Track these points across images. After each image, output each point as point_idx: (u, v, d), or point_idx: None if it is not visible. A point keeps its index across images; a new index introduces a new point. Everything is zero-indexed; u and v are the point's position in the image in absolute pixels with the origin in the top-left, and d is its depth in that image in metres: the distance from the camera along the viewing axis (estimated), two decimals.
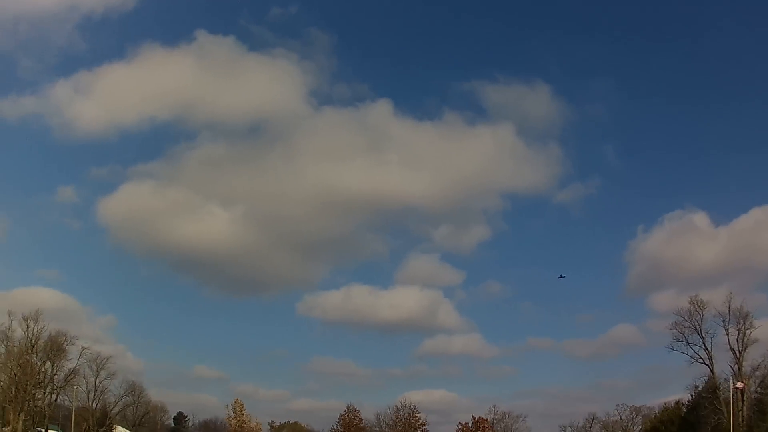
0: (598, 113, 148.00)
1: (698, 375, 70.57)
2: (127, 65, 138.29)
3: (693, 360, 69.86)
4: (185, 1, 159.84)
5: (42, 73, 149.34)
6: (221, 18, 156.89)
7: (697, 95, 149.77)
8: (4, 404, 72.89)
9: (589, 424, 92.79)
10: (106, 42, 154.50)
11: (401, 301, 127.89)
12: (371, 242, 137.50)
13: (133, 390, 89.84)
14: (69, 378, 79.70)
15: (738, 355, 67.75)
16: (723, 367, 68.70)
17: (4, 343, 75.57)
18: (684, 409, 76.13)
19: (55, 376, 78.24)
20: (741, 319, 67.86)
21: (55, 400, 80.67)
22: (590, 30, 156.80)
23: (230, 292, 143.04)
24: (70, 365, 79.19)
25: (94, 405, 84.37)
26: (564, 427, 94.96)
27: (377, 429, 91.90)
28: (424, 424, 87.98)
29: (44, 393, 77.56)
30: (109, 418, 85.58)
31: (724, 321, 68.54)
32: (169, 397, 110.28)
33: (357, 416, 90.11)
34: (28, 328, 76.24)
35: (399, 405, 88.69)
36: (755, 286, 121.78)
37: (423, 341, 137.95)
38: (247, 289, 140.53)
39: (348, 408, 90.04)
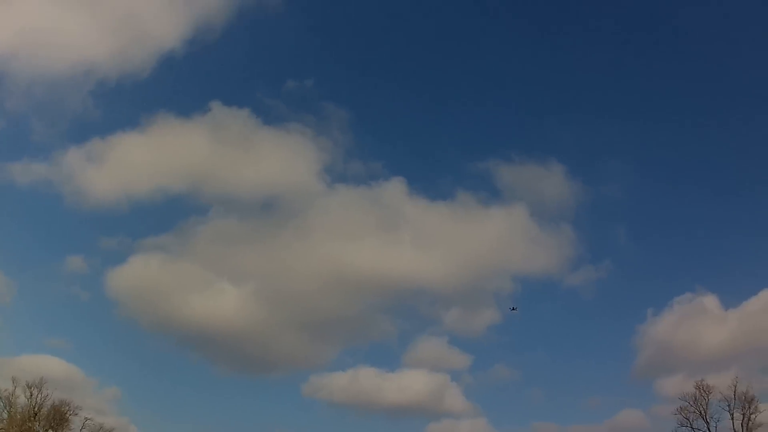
0: (612, 195, 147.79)
1: None
2: (141, 134, 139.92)
3: None
4: (200, 71, 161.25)
5: (55, 139, 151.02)
6: (236, 90, 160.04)
7: (709, 179, 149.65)
8: None
9: None
10: (120, 110, 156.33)
11: (408, 384, 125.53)
12: (380, 323, 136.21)
13: None
14: None
15: None
16: None
17: (7, 409, 75.88)
18: None
19: None
20: (746, 404, 67.51)
21: None
22: (606, 111, 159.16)
23: (237, 369, 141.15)
24: None
25: None
26: None
27: None
28: None
29: None
30: None
31: (729, 406, 68.35)
32: None
33: None
34: (31, 395, 76.65)
35: None
36: (763, 369, 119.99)
37: (428, 425, 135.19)
38: (254, 368, 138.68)
39: None
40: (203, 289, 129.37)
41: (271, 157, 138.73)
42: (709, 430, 68.68)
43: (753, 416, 66.72)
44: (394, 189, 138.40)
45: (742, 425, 67.37)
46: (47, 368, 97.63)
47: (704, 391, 70.05)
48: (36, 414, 76.17)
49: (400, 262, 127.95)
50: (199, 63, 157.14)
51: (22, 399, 75.82)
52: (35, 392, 76.31)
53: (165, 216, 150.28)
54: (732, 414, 67.71)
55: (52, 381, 79.14)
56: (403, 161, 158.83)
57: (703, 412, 69.50)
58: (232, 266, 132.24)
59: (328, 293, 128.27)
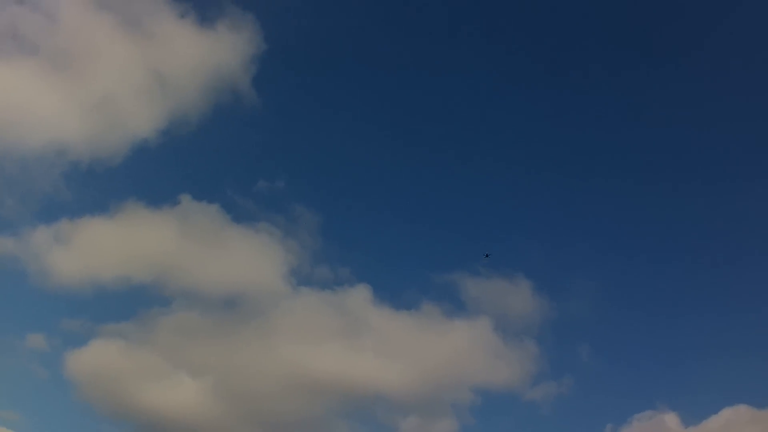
0: (577, 312, 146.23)
1: None
2: (110, 220, 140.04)
3: None
4: (173, 163, 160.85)
5: (24, 216, 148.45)
6: (207, 185, 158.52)
7: (672, 301, 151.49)
8: None
9: None
10: (91, 193, 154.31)
11: None
12: (338, 427, 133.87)
13: None
14: None
15: None
16: None
17: None
18: None
19: None
20: None
21: None
22: (576, 230, 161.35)
23: None
24: None
25: None
26: None
27: None
28: None
29: None
30: None
31: None
32: None
33: None
34: None
35: None
36: None
37: None
38: None
39: None
40: (161, 379, 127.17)
41: (237, 255, 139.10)
42: None
43: None
44: (359, 296, 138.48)
45: None
46: None
47: None
48: None
49: (361, 368, 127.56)
50: (171, 155, 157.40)
51: None
52: None
53: (128, 304, 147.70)
54: None
55: None
56: (370, 269, 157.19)
57: None
58: (192, 359, 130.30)
59: (286, 395, 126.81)
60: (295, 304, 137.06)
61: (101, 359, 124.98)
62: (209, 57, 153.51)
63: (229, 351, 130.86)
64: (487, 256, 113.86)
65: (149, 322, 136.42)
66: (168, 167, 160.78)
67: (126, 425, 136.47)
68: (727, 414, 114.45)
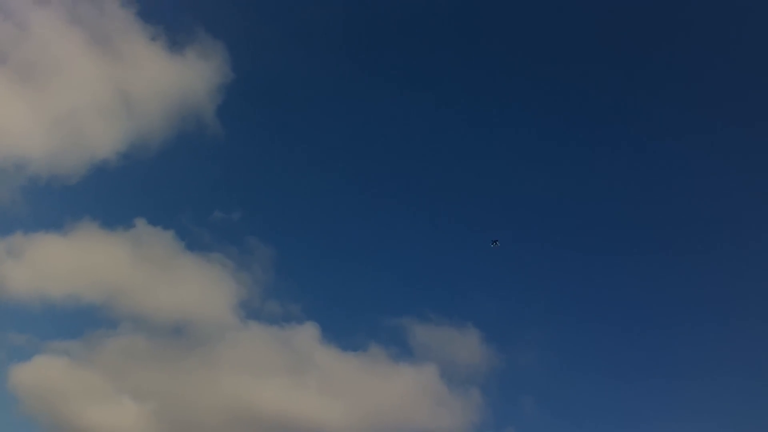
0: (525, 365, 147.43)
1: None
2: (63, 238, 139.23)
3: None
4: (130, 186, 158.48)
5: None
6: (163, 211, 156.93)
7: (622, 361, 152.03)
8: None
9: None
10: (47, 210, 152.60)
11: None
12: None
13: None
14: None
15: None
16: None
17: None
18: None
19: None
20: None
21: None
22: (529, 284, 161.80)
23: None
24: None
25: None
26: None
27: None
28: None
29: None
30: None
31: None
32: None
33: None
34: None
35: None
36: None
37: None
38: None
39: None
40: (104, 400, 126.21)
41: (188, 283, 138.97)
42: None
43: None
44: (307, 334, 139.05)
45: None
46: None
47: None
48: None
49: (304, 406, 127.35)
50: (130, 177, 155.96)
51: None
52: None
53: (75, 322, 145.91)
54: None
55: None
56: (320, 307, 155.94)
57: None
58: (135, 383, 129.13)
59: (227, 427, 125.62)
60: (243, 337, 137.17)
61: (45, 375, 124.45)
62: (176, 83, 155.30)
63: (173, 378, 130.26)
64: (495, 242, 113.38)
65: (95, 343, 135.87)
66: (125, 190, 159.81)
67: None
68: None
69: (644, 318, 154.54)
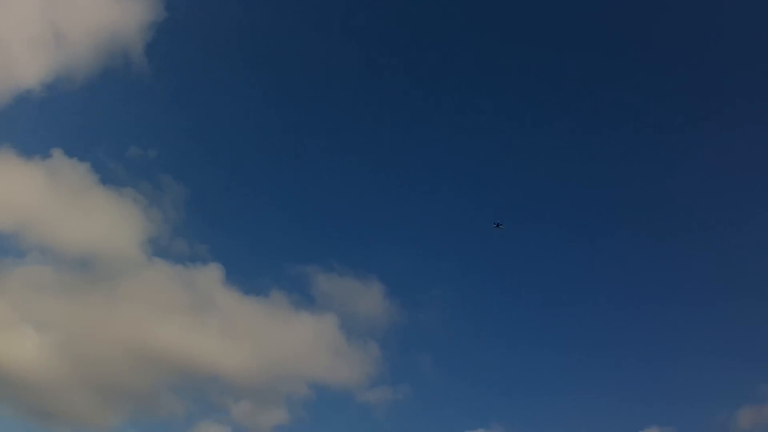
0: (426, 322, 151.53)
1: None
2: None
3: None
4: (51, 117, 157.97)
5: None
6: (81, 143, 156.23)
7: (521, 327, 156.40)
8: None
9: None
10: None
11: None
12: (170, 402, 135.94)
13: None
14: None
15: None
16: None
17: None
18: None
19: None
20: None
21: None
22: (438, 241, 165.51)
23: (23, 416, 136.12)
24: None
25: None
26: None
27: None
28: None
29: None
30: None
31: None
32: None
33: None
34: None
35: None
36: None
37: None
38: (40, 418, 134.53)
39: None
40: (6, 329, 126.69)
41: (99, 217, 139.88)
42: None
43: None
44: (211, 275, 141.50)
45: None
46: None
47: None
48: None
49: (202, 346, 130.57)
50: (51, 109, 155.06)
51: None
52: None
53: None
54: None
55: None
56: (227, 249, 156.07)
57: None
58: (40, 314, 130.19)
59: (126, 362, 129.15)
60: (148, 274, 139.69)
61: None
62: (108, 17, 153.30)
63: (77, 311, 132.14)
64: (498, 225, 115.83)
65: (2, 271, 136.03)
66: (46, 120, 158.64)
67: None
68: None
69: (549, 283, 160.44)
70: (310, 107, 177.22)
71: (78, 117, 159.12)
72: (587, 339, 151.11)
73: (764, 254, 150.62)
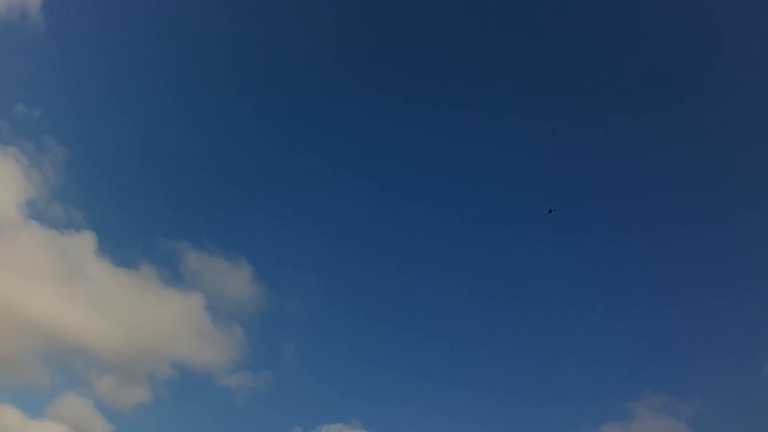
0: (293, 309, 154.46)
1: None
2: None
3: None
4: None
5: None
6: None
7: (391, 324, 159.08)
8: None
9: None
10: None
11: None
12: (36, 369, 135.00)
13: None
14: None
15: None
16: None
17: None
18: None
19: None
20: None
21: None
22: (306, 225, 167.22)
23: None
24: None
25: None
26: None
27: None
28: None
29: None
30: None
31: None
32: None
33: None
34: None
35: None
36: None
37: None
38: None
39: None
40: None
41: None
42: None
43: None
44: (84, 244, 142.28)
45: None
46: None
47: None
48: None
49: (70, 316, 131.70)
50: None
51: None
52: None
53: None
54: None
55: None
56: (102, 218, 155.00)
57: None
58: None
59: None
60: (22, 237, 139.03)
61: None
62: None
63: None
64: (550, 211, 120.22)
65: None
66: None
67: None
68: None
69: (419, 277, 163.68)
70: (200, 77, 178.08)
71: None
72: (452, 335, 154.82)
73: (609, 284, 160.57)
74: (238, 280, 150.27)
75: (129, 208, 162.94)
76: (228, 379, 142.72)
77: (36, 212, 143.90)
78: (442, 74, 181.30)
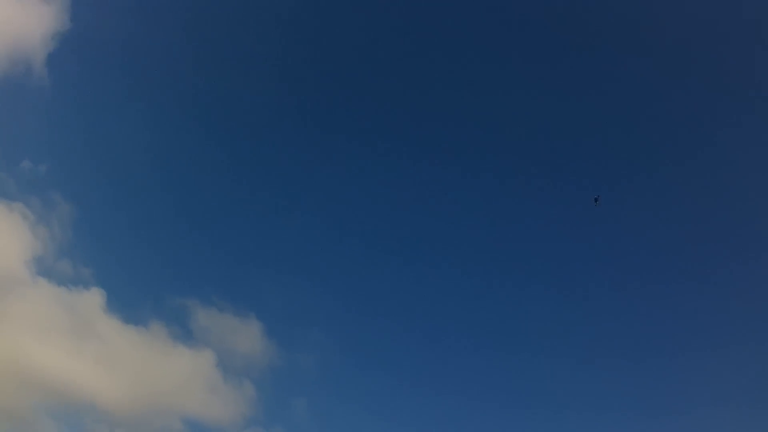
0: (303, 364, 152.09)
1: None
2: None
3: None
4: None
5: None
6: None
7: (403, 378, 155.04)
8: None
9: None
10: None
11: None
12: (45, 427, 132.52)
13: None
14: None
15: None
16: None
17: None
18: None
19: None
20: None
21: None
22: (321, 283, 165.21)
23: None
24: None
25: None
26: None
27: None
28: None
29: None
30: None
31: None
32: None
33: None
34: None
35: None
36: None
37: None
38: None
39: None
40: None
41: None
42: None
43: None
44: (93, 300, 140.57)
45: None
46: None
47: None
48: None
49: (79, 373, 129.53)
50: None
51: None
52: None
53: None
54: None
55: None
56: (110, 275, 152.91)
57: None
58: None
59: (1, 381, 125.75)
60: (30, 294, 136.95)
61: None
62: (11, 24, 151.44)
63: None
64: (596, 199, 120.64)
65: None
66: None
67: None
68: None
69: (434, 326, 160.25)
70: (208, 134, 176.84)
71: None
72: (466, 391, 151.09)
73: None
74: (248, 337, 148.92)
75: (137, 265, 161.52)
76: None
77: (44, 269, 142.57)
78: (451, 134, 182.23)
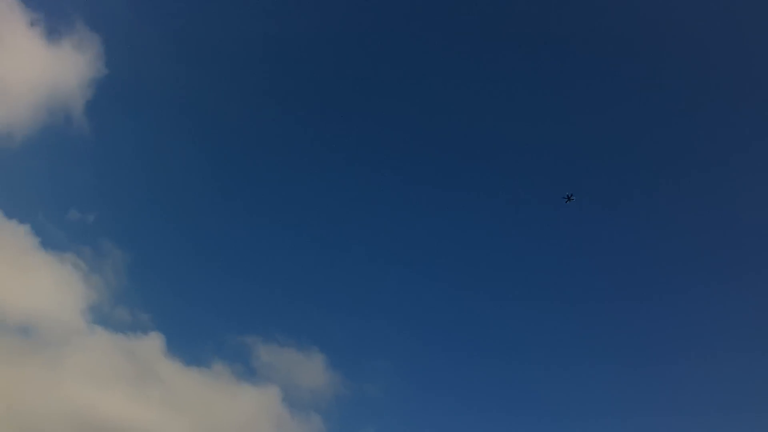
0: (370, 394, 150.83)
1: None
2: None
3: None
4: None
5: None
6: (20, 205, 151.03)
7: (471, 398, 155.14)
8: None
9: None
10: None
11: None
12: None
13: None
14: None
15: None
16: None
17: None
18: None
19: None
20: None
21: None
22: (380, 313, 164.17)
23: None
24: None
25: None
26: None
27: None
28: None
29: None
30: None
31: None
32: None
33: None
34: None
35: None
36: None
37: None
38: None
39: None
40: None
41: (39, 283, 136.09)
42: None
43: None
44: (152, 345, 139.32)
45: None
46: None
47: None
48: None
49: (143, 418, 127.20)
50: None
51: None
52: None
53: None
54: None
55: None
56: (168, 318, 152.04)
57: None
58: None
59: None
60: (89, 343, 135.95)
61: None
62: (49, 73, 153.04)
63: (15, 380, 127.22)
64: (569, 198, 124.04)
65: None
66: None
67: None
68: None
69: (498, 352, 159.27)
70: (249, 174, 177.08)
71: (17, 176, 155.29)
72: (536, 412, 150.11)
73: None
74: (311, 370, 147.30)
75: (194, 306, 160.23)
76: None
77: (100, 317, 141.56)
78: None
